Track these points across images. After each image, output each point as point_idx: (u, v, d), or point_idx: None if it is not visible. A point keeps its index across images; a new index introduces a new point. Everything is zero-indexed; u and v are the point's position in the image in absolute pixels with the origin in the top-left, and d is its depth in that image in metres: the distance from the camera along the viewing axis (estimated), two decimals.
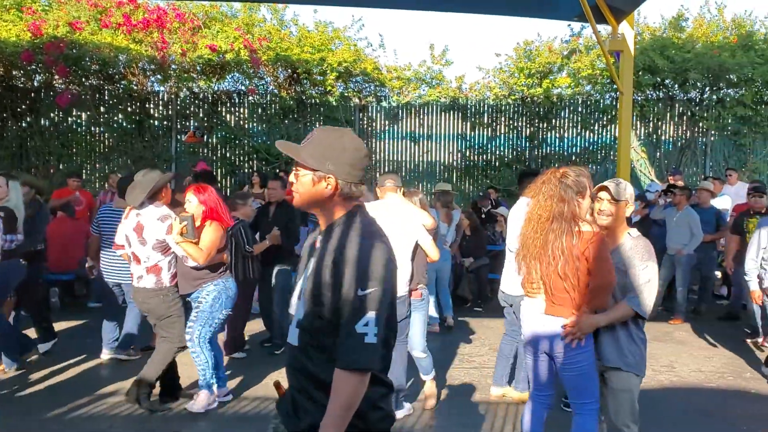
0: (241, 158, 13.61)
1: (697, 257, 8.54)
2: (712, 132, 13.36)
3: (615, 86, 9.42)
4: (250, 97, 13.34)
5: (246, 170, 13.40)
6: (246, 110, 13.56)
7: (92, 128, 13.26)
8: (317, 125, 13.61)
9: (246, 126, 13.59)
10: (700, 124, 13.38)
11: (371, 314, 2.06)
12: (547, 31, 25.69)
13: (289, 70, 13.05)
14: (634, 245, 3.52)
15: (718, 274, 9.76)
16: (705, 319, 8.59)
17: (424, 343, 5.28)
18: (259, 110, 13.43)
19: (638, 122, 13.37)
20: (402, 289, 4.87)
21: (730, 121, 13.13)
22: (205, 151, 13.51)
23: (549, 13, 9.40)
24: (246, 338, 6.99)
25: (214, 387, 5.22)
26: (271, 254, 6.70)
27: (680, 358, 6.84)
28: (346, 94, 13.29)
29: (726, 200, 9.82)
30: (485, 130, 13.72)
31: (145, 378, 5.02)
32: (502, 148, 13.82)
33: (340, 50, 12.85)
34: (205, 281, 5.01)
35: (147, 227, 4.98)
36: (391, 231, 4.75)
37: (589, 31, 10.77)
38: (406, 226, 4.93)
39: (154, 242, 4.96)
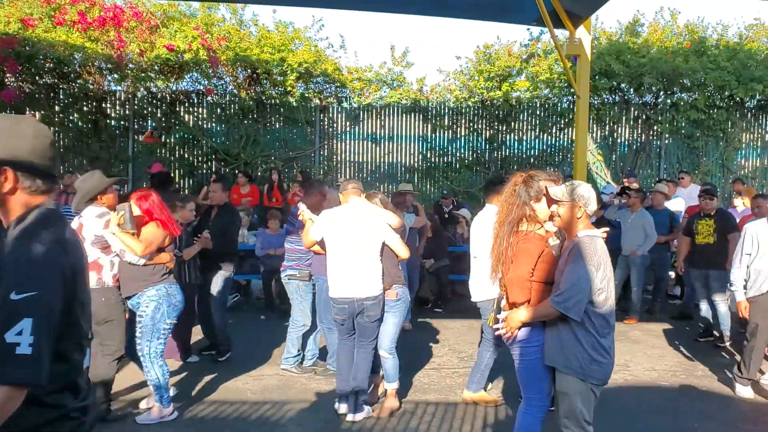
0: (200, 159, 13.45)
1: (651, 258, 8.74)
2: (666, 135, 13.67)
3: (572, 90, 9.57)
4: (209, 98, 13.19)
5: (204, 171, 13.27)
6: (205, 110, 13.40)
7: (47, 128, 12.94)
8: (277, 126, 13.55)
9: (205, 126, 13.44)
10: (655, 128, 13.68)
11: (26, 322, 1.77)
12: (507, 35, 25.99)
13: (249, 71, 12.95)
14: (575, 246, 3.45)
15: (672, 274, 9.98)
16: (659, 318, 8.79)
17: (393, 345, 5.20)
18: (218, 110, 13.29)
19: (595, 125, 13.62)
20: (369, 291, 4.88)
21: (683, 124, 13.45)
22: (163, 151, 13.32)
23: (508, 17, 9.51)
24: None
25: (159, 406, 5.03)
26: (212, 260, 6.57)
27: (635, 357, 6.97)
28: (306, 95, 13.24)
29: (679, 202, 10.05)
30: (446, 132, 13.80)
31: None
32: (462, 150, 13.92)
33: (300, 51, 12.79)
34: (148, 284, 4.86)
35: (85, 225, 4.90)
36: (353, 234, 4.83)
37: (548, 36, 10.91)
38: (370, 227, 4.95)
39: (93, 238, 4.85)
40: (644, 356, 7.02)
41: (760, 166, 13.98)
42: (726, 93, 13.22)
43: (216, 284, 6.70)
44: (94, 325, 4.94)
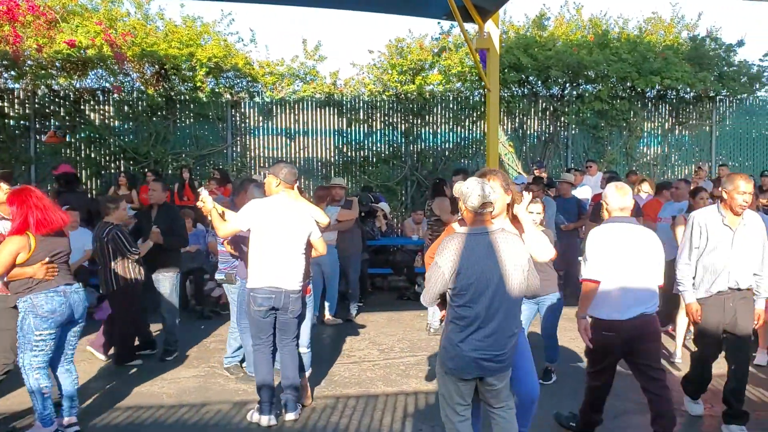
0: (108, 158, 12.94)
1: (561, 245, 9.01)
2: (573, 126, 14.15)
3: (483, 83, 9.76)
4: (115, 95, 12.71)
5: (113, 171, 12.78)
6: (111, 108, 12.91)
7: None
8: (187, 122, 13.22)
9: (112, 125, 12.95)
10: (562, 119, 14.14)
11: None
12: (418, 29, 26.22)
13: (156, 66, 12.57)
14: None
15: (581, 260, 10.32)
16: (570, 303, 9.07)
17: (309, 338, 5.30)
18: (126, 108, 12.82)
19: (505, 118, 13.94)
20: (294, 285, 4.83)
21: (588, 115, 13.96)
22: (68, 151, 12.75)
23: (419, 11, 9.62)
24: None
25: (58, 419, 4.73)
26: (158, 259, 6.53)
27: None
28: (217, 90, 12.97)
29: (586, 190, 10.44)
30: (361, 125, 13.82)
31: None
32: (378, 144, 13.96)
33: (209, 45, 12.52)
34: (19, 295, 4.50)
35: None
36: (286, 226, 4.77)
37: (458, 30, 11.08)
38: (301, 221, 4.92)
39: None
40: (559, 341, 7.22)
41: (661, 153, 14.69)
42: (627, 84, 13.81)
43: (165, 284, 6.65)
44: None
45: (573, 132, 14.25)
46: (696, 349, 5.02)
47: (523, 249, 3.61)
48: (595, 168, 11.92)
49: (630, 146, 14.31)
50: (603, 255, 4.28)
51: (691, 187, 8.09)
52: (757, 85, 14.56)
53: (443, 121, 14.04)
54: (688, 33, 14.94)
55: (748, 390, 5.50)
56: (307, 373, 5.39)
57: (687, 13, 31.05)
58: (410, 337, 7.45)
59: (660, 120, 14.68)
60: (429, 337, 7.42)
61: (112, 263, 6.17)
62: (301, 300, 4.98)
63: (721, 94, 14.49)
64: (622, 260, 4.23)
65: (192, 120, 13.20)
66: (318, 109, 13.63)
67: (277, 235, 4.82)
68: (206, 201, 5.07)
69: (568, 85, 14.03)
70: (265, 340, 4.96)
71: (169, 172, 12.65)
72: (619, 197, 4.31)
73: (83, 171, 12.61)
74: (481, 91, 13.26)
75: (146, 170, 11.82)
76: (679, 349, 6.50)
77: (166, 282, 6.67)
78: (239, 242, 5.24)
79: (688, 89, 14.04)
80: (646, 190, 9.49)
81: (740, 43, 14.43)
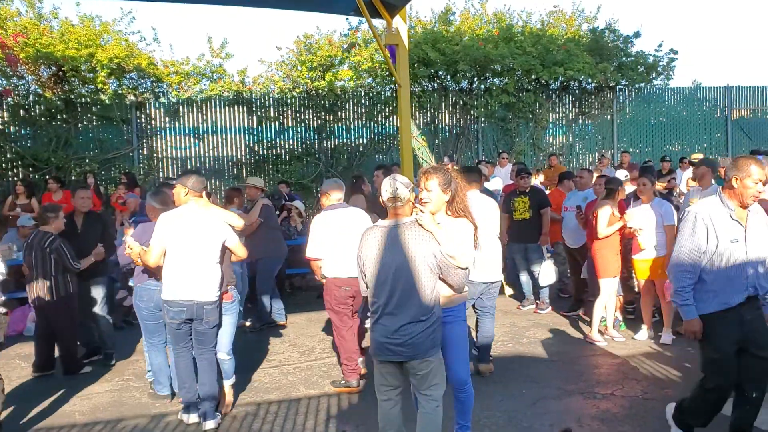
0: (4, 166, 12.25)
1: None
2: (482, 119, 14.45)
3: (394, 78, 9.81)
4: (9, 99, 12.03)
5: (10, 179, 12.12)
6: (5, 113, 12.22)
7: None
8: (90, 126, 12.69)
9: (7, 130, 12.26)
10: (472, 112, 14.41)
11: None
12: (326, 25, 26.18)
13: (54, 68, 12.00)
14: None
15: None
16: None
17: (231, 346, 5.16)
18: (22, 112, 12.17)
19: (417, 112, 14.10)
20: (209, 295, 4.68)
21: (496, 108, 14.29)
22: None
23: (326, 7, 9.55)
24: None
25: None
26: (89, 267, 6.38)
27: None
28: (120, 92, 12.51)
29: (497, 182, 10.66)
30: (272, 123, 13.64)
31: None
32: (291, 141, 13.83)
33: (110, 45, 12.05)
34: None
35: None
36: (192, 236, 4.60)
37: (367, 25, 11.08)
38: (210, 229, 4.77)
39: None
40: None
41: (566, 143, 15.21)
42: (533, 76, 14.21)
43: (98, 291, 6.61)
44: None
45: (483, 125, 14.55)
46: (705, 378, 3.97)
47: (432, 243, 3.66)
48: (506, 159, 12.23)
49: (537, 137, 14.75)
50: None
51: (595, 175, 8.41)
52: (654, 74, 15.31)
53: (356, 116, 14.05)
54: (588, 25, 15.53)
55: (656, 368, 5.80)
56: (231, 382, 5.25)
57: (587, 7, 32.32)
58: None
59: (564, 111, 15.21)
60: None
61: (52, 274, 6.04)
62: (219, 308, 4.86)
63: (621, 84, 15.16)
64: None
65: (95, 123, 12.70)
66: (227, 108, 13.37)
67: (187, 247, 4.69)
68: (133, 246, 4.98)
69: (476, 79, 14.31)
70: (184, 346, 4.88)
71: (73, 177, 12.11)
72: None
73: None
74: (393, 86, 13.35)
75: (47, 177, 11.26)
76: (595, 333, 6.72)
77: (99, 289, 6.62)
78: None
79: (590, 80, 14.60)
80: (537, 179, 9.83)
81: (637, 35, 15.13)
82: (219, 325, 4.92)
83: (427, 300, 3.65)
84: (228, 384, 5.25)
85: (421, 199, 3.94)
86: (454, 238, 3.80)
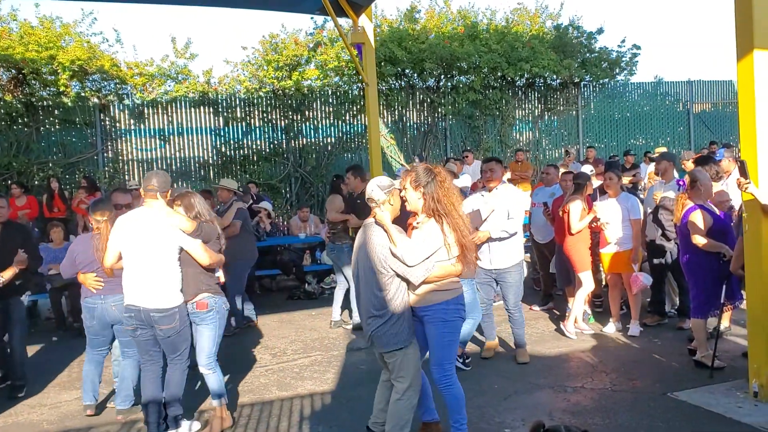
0: None
1: None
2: (450, 117, 14.51)
3: (361, 77, 9.80)
4: None
5: None
6: None
7: None
8: (52, 129, 12.45)
9: None
10: (439, 110, 14.47)
11: None
12: (292, 24, 26.04)
13: (13, 71, 11.76)
14: None
15: None
16: None
17: (211, 359, 4.81)
18: None
19: (385, 111, 14.10)
20: (158, 302, 4.49)
21: (464, 105, 14.36)
22: None
23: (291, 6, 9.50)
24: None
25: None
26: (10, 282, 5.75)
27: None
28: (83, 94, 12.29)
29: (466, 179, 10.69)
30: (239, 123, 13.53)
31: None
32: (258, 142, 13.73)
33: (71, 47, 11.84)
34: None
35: None
36: (141, 240, 4.49)
37: (333, 24, 11.07)
38: (159, 233, 4.53)
39: None
40: None
41: (533, 139, 15.36)
42: (498, 74, 14.32)
43: (18, 309, 5.96)
44: None
45: (450, 122, 14.62)
46: None
47: (381, 241, 3.85)
48: (472, 157, 12.32)
49: (504, 134, 14.86)
50: None
51: (561, 171, 8.47)
52: (617, 70, 15.54)
53: (324, 116, 14.01)
54: (552, 22, 15.69)
55: (625, 360, 5.89)
56: (218, 402, 4.85)
57: (550, 4, 32.65)
58: (303, 338, 7.39)
59: (530, 107, 15.36)
60: (322, 336, 7.39)
61: None
62: (179, 317, 4.60)
63: (585, 80, 15.35)
64: None
65: (57, 126, 12.47)
66: (192, 109, 13.23)
67: (135, 251, 4.55)
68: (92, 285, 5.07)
69: (443, 77, 14.36)
70: (149, 358, 4.68)
71: (36, 182, 11.87)
72: None
73: None
74: (360, 85, 13.33)
75: (9, 182, 11.02)
76: (571, 324, 6.81)
77: (20, 307, 6.05)
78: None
79: (555, 76, 14.76)
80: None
81: (600, 31, 15.33)
82: (181, 334, 4.63)
83: (377, 296, 3.85)
84: (218, 404, 4.84)
85: (390, 199, 4.00)
86: (417, 237, 3.94)
